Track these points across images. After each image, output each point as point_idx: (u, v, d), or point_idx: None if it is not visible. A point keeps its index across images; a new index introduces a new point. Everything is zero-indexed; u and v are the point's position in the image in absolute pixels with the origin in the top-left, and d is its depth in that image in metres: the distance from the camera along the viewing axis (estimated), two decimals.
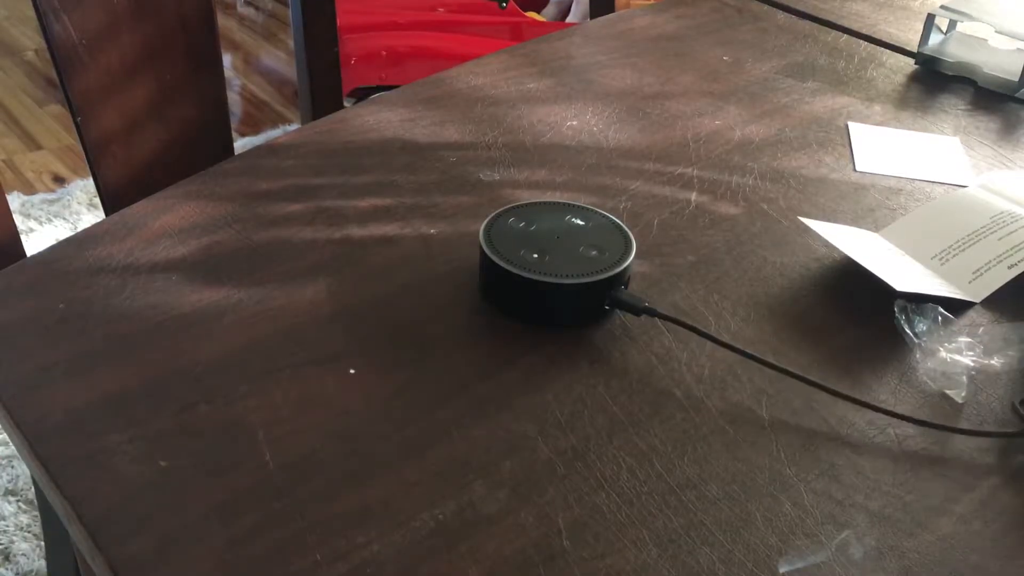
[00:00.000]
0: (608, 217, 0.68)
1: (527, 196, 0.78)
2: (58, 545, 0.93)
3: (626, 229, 0.67)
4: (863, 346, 0.65)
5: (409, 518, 0.51)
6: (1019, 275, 0.69)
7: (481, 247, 0.65)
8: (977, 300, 0.68)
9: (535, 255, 0.64)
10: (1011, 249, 0.71)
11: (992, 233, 0.72)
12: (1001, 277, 0.69)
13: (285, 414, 0.57)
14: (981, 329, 0.66)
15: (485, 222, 0.67)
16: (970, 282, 0.69)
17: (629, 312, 0.64)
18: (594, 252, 0.64)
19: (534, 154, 0.83)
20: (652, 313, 0.64)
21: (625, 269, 0.64)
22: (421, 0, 2.14)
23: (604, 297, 0.64)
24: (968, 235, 0.72)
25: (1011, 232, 0.72)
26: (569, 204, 0.69)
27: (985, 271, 0.69)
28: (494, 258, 0.63)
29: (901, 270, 0.68)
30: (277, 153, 0.82)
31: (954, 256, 0.71)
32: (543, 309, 0.64)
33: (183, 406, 0.57)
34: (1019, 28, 0.98)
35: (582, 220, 0.67)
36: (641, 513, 0.52)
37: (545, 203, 0.69)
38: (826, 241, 0.71)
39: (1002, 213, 0.74)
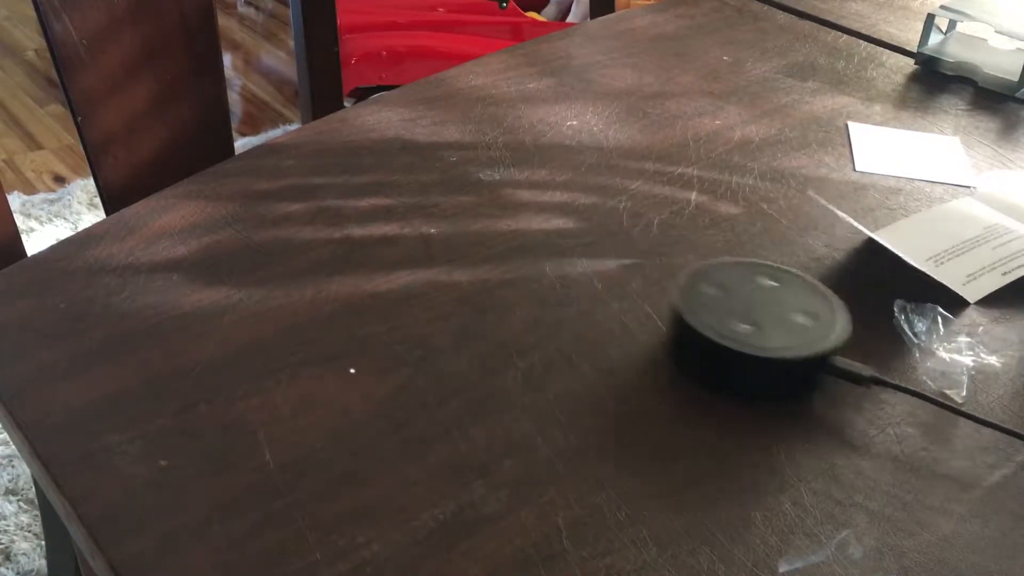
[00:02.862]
0: (801, 276, 0.64)
1: (527, 196, 0.78)
2: (58, 544, 0.93)
3: (824, 288, 0.63)
4: (863, 346, 0.65)
5: (409, 518, 0.51)
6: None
7: (683, 319, 0.60)
8: (972, 300, 0.68)
9: (746, 326, 0.59)
10: (1005, 258, 0.71)
11: (986, 243, 0.73)
12: (995, 282, 0.69)
13: (285, 414, 0.57)
14: (981, 328, 0.66)
15: (677, 290, 0.62)
16: (964, 284, 0.69)
17: (852, 382, 0.60)
18: (803, 318, 0.60)
19: (534, 154, 0.83)
20: (880, 383, 0.59)
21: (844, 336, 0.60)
22: (421, 0, 2.14)
23: (824, 367, 0.59)
24: (962, 242, 0.73)
25: (1005, 243, 0.73)
26: (755, 263, 0.65)
27: (979, 276, 0.70)
28: (705, 332, 0.58)
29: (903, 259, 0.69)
30: (277, 153, 0.82)
31: (949, 260, 0.71)
32: (761, 383, 0.59)
33: (183, 406, 0.57)
34: (1019, 28, 0.98)
35: (775, 281, 0.63)
36: (641, 513, 0.52)
37: (731, 263, 0.65)
38: (831, 221, 0.71)
39: (995, 225, 0.75)
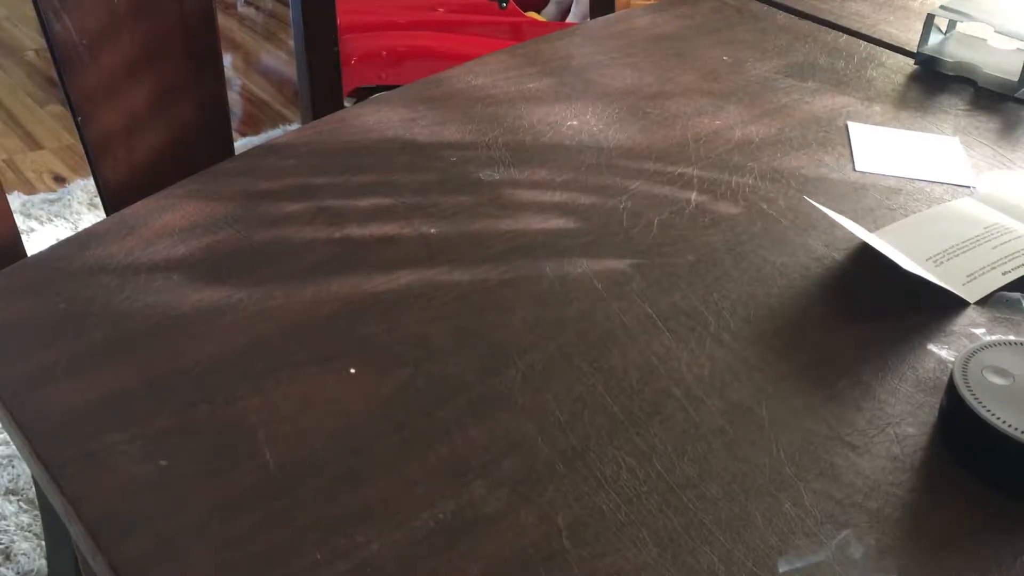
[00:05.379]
0: None
1: (527, 196, 0.78)
2: (59, 544, 0.94)
3: None
4: (862, 346, 0.65)
5: (409, 518, 0.51)
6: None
7: (976, 414, 0.55)
8: (971, 301, 0.68)
9: None
10: (1005, 257, 0.71)
11: (986, 242, 0.73)
12: (995, 282, 0.69)
13: (285, 414, 0.57)
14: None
15: (958, 379, 0.57)
16: (964, 284, 0.69)
17: None
18: None
19: (534, 154, 0.83)
20: None
21: None
22: (421, 0, 2.14)
23: None
24: (962, 242, 0.73)
25: (1005, 242, 0.73)
26: None
27: (979, 275, 0.70)
28: (1007, 431, 0.54)
29: (902, 259, 0.69)
30: (277, 153, 0.82)
31: (948, 260, 0.71)
32: None
33: (183, 406, 0.57)
34: (1019, 28, 0.98)
35: None
36: (641, 513, 0.52)
37: (1006, 343, 0.60)
38: (832, 221, 0.71)
39: (995, 225, 0.75)
